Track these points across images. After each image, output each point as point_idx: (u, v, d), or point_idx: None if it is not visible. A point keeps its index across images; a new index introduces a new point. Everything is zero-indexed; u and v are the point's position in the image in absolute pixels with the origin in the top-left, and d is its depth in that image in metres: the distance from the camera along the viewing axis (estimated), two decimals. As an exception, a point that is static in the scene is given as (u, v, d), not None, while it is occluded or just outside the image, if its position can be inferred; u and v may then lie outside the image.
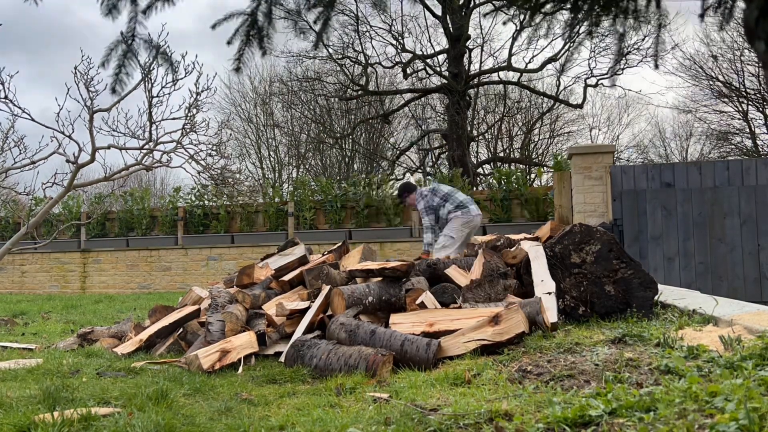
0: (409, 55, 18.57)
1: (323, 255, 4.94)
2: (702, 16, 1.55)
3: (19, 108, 6.15)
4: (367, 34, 18.82)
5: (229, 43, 1.66)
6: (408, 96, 20.17)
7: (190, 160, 6.83)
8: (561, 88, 19.90)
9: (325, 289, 3.80)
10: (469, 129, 19.18)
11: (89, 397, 2.70)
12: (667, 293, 4.06)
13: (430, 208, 6.73)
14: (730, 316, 2.98)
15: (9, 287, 12.93)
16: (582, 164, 8.02)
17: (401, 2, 19.36)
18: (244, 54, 1.64)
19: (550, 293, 3.44)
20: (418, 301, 3.55)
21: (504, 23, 22.11)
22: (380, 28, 18.96)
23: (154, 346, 4.13)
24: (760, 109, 20.71)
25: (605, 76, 18.20)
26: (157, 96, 6.32)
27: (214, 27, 1.73)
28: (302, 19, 1.65)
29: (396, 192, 7.07)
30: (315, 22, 1.60)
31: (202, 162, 7.01)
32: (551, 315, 3.24)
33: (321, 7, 1.55)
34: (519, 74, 19.10)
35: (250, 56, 1.65)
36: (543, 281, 3.54)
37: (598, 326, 3.33)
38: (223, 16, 1.70)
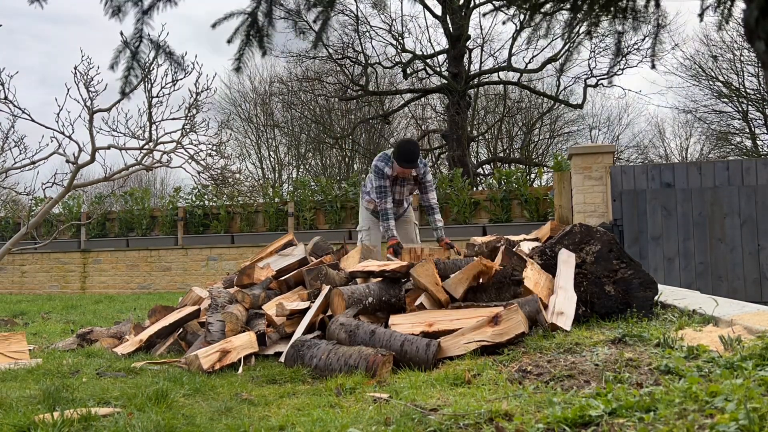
0: (409, 55, 18.58)
1: (321, 256, 4.94)
2: (701, 15, 1.55)
3: (19, 108, 6.16)
4: (367, 34, 18.84)
5: (229, 42, 1.66)
6: (408, 96, 20.17)
7: (190, 161, 6.84)
8: (561, 88, 19.93)
9: (325, 289, 3.80)
10: (469, 129, 19.18)
11: (89, 397, 2.70)
12: (667, 293, 4.06)
13: None
14: (730, 316, 2.98)
15: (9, 287, 12.93)
16: (582, 164, 8.02)
17: (401, 2, 19.40)
18: (245, 54, 1.65)
19: (569, 301, 3.38)
20: (417, 302, 3.55)
21: (503, 23, 22.08)
22: (380, 28, 18.99)
23: (154, 346, 4.13)
24: (760, 109, 20.71)
25: (605, 76, 18.22)
26: (157, 96, 6.33)
27: (214, 26, 1.74)
28: (302, 19, 1.66)
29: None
30: (314, 22, 1.60)
31: (202, 162, 7.02)
32: (566, 323, 3.18)
33: (321, 7, 1.56)
34: (519, 74, 19.11)
35: (250, 56, 1.65)
36: (563, 287, 3.49)
37: (598, 326, 3.33)
38: (224, 16, 1.70)
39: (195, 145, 6.83)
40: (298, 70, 20.44)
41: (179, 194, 12.47)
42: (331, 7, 1.57)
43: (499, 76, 19.88)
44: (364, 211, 5.70)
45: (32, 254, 12.61)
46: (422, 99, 21.20)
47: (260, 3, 1.60)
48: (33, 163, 6.50)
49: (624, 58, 16.29)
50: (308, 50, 18.32)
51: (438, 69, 18.81)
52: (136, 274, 12.07)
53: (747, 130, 21.27)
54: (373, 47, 20.49)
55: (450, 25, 17.80)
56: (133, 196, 12.62)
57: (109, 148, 6.31)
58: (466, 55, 18.69)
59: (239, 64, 1.67)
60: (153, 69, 6.22)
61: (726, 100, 21.02)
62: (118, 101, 6.18)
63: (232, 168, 8.03)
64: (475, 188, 13.35)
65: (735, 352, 2.33)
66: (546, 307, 3.35)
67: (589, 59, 17.98)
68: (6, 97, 6.07)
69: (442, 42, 19.32)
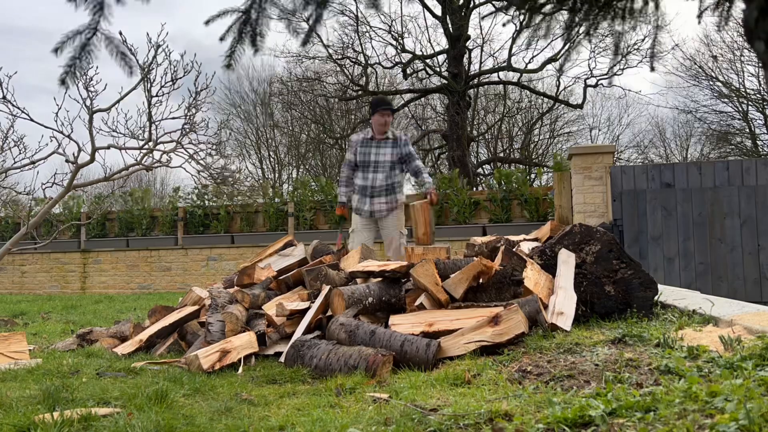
0: (409, 56, 18.58)
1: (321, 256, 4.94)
2: (699, 16, 1.55)
3: (18, 108, 6.16)
4: (367, 34, 18.83)
5: (221, 39, 1.67)
6: (408, 96, 20.17)
7: (189, 160, 6.84)
8: (561, 88, 19.93)
9: (325, 289, 3.80)
10: (469, 129, 19.18)
11: (89, 397, 2.70)
12: (667, 293, 4.06)
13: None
14: (730, 317, 2.98)
15: (9, 287, 12.93)
16: (582, 164, 8.02)
17: (401, 2, 19.38)
18: (236, 51, 1.65)
19: (569, 301, 3.39)
20: (417, 302, 3.55)
21: (504, 25, 22.03)
22: (380, 28, 18.98)
23: (154, 346, 4.13)
24: (760, 109, 20.71)
25: (605, 76, 18.22)
26: (156, 96, 6.33)
27: (207, 23, 1.75)
28: (297, 18, 1.66)
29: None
30: (308, 21, 1.61)
31: (202, 162, 7.02)
32: (566, 323, 3.19)
33: (314, 5, 1.56)
34: (519, 74, 19.11)
35: (241, 53, 1.66)
36: (563, 287, 3.49)
37: (598, 326, 3.33)
38: (217, 13, 1.71)
39: (195, 145, 6.83)
40: (298, 70, 20.46)
41: (179, 194, 12.47)
42: (323, 6, 1.57)
43: (499, 76, 19.88)
44: (353, 213, 5.74)
45: (32, 254, 12.61)
46: (422, 99, 21.19)
47: (254, 1, 1.60)
48: (33, 163, 6.50)
49: (624, 58, 16.30)
50: (308, 50, 18.32)
51: (438, 69, 18.81)
52: (136, 274, 12.07)
53: (747, 130, 21.27)
54: (373, 47, 20.52)
55: (450, 26, 17.80)
56: (133, 196, 12.62)
57: (108, 148, 6.31)
58: (466, 56, 18.68)
59: (230, 61, 1.68)
60: (153, 69, 6.22)
61: (726, 100, 21.02)
62: (117, 101, 6.19)
63: (232, 168, 8.03)
64: (475, 188, 13.34)
65: (735, 352, 2.33)
66: (546, 307, 3.35)
67: (589, 59, 18.01)
68: (4, 97, 6.07)
69: (442, 42, 19.32)
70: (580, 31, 1.63)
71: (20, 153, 6.60)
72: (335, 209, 5.53)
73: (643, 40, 14.90)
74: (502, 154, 22.15)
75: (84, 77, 5.98)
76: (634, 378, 2.22)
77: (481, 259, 3.60)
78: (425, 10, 18.48)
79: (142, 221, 12.27)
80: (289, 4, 1.60)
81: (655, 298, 3.66)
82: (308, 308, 3.78)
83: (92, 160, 6.11)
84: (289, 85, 21.02)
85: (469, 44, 18.62)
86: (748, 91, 20.17)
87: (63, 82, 1.65)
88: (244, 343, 3.50)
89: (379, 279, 3.90)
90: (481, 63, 19.98)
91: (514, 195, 10.23)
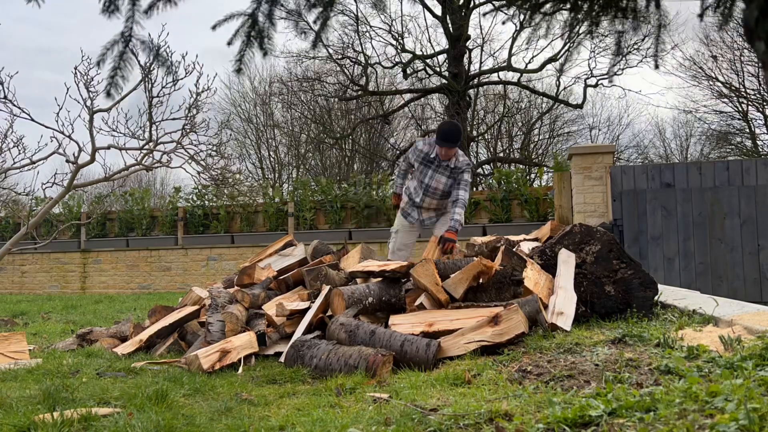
0: (409, 55, 18.57)
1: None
2: (701, 15, 1.55)
3: (19, 108, 6.16)
4: (367, 34, 18.83)
5: (229, 44, 1.66)
6: (408, 96, 20.16)
7: (190, 161, 6.83)
8: (561, 88, 19.91)
9: (325, 289, 3.80)
10: (469, 129, 19.17)
11: (89, 397, 2.70)
12: (667, 293, 4.06)
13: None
14: (730, 317, 2.98)
15: (9, 287, 12.92)
16: (582, 164, 8.02)
17: (401, 2, 19.38)
18: (245, 55, 1.65)
19: (569, 301, 3.38)
20: (417, 302, 3.55)
21: (503, 23, 22.04)
22: (380, 28, 18.98)
23: (154, 346, 4.13)
24: (760, 109, 20.71)
25: (605, 76, 18.21)
26: (157, 96, 6.32)
27: (214, 28, 1.74)
28: (302, 19, 1.66)
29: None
30: (315, 22, 1.61)
31: (202, 162, 7.01)
32: (566, 323, 3.19)
33: (320, 7, 1.56)
34: (519, 74, 19.10)
35: (251, 57, 1.65)
36: (563, 287, 3.49)
37: (598, 326, 3.33)
38: (224, 17, 1.70)
39: (195, 146, 6.83)
40: (298, 70, 20.45)
41: (179, 194, 12.47)
42: (330, 7, 1.57)
43: (499, 76, 19.87)
44: (399, 213, 5.51)
45: (32, 254, 12.61)
46: (422, 99, 21.19)
47: (260, 4, 1.60)
48: (33, 163, 6.50)
49: (624, 58, 16.28)
50: (308, 50, 18.32)
51: (438, 69, 18.80)
52: (136, 274, 12.06)
53: (747, 130, 21.27)
54: (373, 47, 20.51)
55: (450, 25, 17.79)
56: (133, 196, 12.62)
57: (109, 148, 6.31)
58: (466, 55, 18.67)
59: (240, 65, 1.67)
60: (153, 69, 6.21)
61: (726, 100, 21.02)
62: (118, 101, 6.18)
63: (232, 168, 8.02)
64: (475, 188, 13.33)
65: (735, 352, 2.33)
66: (546, 307, 3.35)
67: (589, 59, 17.98)
68: (5, 97, 6.07)
69: (442, 42, 19.32)
70: (581, 31, 1.62)
71: (20, 153, 6.59)
72: (391, 199, 5.20)
73: (643, 39, 14.87)
74: (502, 154, 22.14)
75: (85, 77, 5.98)
76: (634, 378, 2.22)
77: (481, 259, 3.60)
78: (425, 10, 18.48)
79: (142, 221, 12.27)
80: (294, 5, 1.60)
81: (655, 298, 3.66)
82: (308, 308, 3.78)
83: (92, 160, 6.11)
84: (289, 85, 21.02)
85: (469, 44, 18.62)
86: (748, 91, 20.17)
87: (108, 94, 1.67)
88: (244, 343, 3.50)
89: (379, 279, 3.90)
90: (481, 63, 19.99)
91: (514, 195, 10.23)
